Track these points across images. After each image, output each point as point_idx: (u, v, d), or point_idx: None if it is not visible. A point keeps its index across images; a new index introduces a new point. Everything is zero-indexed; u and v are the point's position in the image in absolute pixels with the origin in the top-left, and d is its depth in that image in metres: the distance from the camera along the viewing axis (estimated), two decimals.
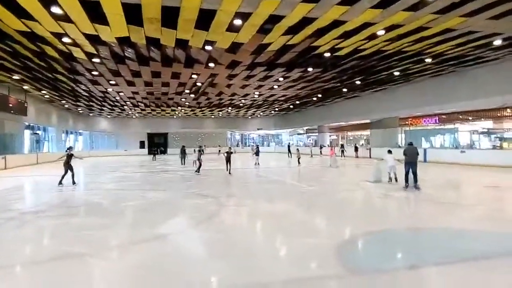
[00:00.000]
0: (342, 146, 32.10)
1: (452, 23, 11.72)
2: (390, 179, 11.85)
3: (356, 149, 29.77)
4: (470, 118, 27.00)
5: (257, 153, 22.75)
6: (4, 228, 6.41)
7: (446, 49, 14.96)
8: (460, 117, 27.06)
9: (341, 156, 28.91)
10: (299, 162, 21.91)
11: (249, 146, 50.73)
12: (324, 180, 14.54)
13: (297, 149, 24.86)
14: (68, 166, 12.63)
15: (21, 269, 4.48)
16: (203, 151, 23.90)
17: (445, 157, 20.81)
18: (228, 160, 16.54)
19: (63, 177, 12.50)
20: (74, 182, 12.64)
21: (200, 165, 16.95)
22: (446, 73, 20.33)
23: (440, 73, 20.36)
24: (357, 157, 28.68)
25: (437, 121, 27.97)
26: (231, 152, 17.00)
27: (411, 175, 10.31)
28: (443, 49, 14.96)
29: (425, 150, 22.46)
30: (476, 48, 14.95)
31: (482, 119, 26.66)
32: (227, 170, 16.35)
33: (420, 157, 21.48)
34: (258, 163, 21.44)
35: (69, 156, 12.91)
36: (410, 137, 27.74)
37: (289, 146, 33.91)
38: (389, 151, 12.42)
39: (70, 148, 14.00)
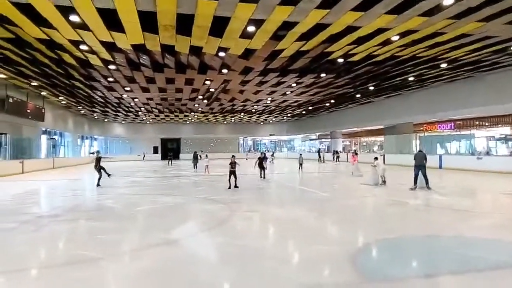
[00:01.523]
0: (355, 152, 31.81)
1: (468, 28, 11.57)
2: (383, 182, 13.04)
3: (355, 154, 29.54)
4: (486, 124, 26.42)
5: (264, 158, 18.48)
6: (19, 231, 6.53)
7: (461, 54, 14.76)
8: (477, 123, 26.48)
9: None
10: (301, 168, 21.45)
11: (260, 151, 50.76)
12: (338, 187, 14.41)
13: (300, 154, 24.68)
14: (99, 168, 13.81)
15: (36, 273, 4.55)
16: (200, 156, 24.72)
17: (461, 164, 20.40)
18: (232, 173, 12.79)
19: (99, 179, 13.74)
20: (98, 184, 13.59)
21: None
22: (462, 78, 20.04)
23: (456, 78, 20.07)
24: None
25: (453, 127, 27.44)
26: (235, 163, 13.00)
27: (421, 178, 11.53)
28: (458, 54, 14.76)
29: (440, 156, 22.09)
30: (493, 54, 14.71)
31: (499, 125, 26.05)
32: (229, 184, 12.67)
33: (435, 164, 21.40)
34: (266, 167, 17.47)
35: (98, 160, 13.94)
36: (425, 143, 27.33)
37: (319, 151, 34.86)
38: (376, 158, 13.91)
39: (98, 152, 15.02)
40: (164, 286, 3.90)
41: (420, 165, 11.59)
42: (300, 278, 4.09)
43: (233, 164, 12.95)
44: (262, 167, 16.36)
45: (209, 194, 11.16)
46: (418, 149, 27.45)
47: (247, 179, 15.62)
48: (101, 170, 13.94)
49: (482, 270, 4.37)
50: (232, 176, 12.76)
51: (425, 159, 11.75)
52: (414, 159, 11.85)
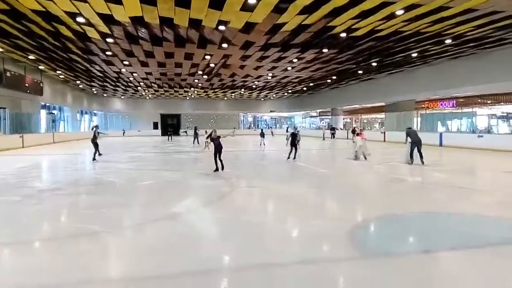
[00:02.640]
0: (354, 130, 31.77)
1: (474, 3, 11.27)
2: (360, 157, 13.71)
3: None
4: (488, 102, 26.24)
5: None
6: (22, 205, 6.58)
7: (467, 30, 14.45)
8: (479, 101, 26.29)
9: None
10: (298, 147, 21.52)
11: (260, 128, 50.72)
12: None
13: (298, 131, 24.46)
14: (95, 143, 14.06)
15: (39, 245, 4.61)
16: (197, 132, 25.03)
17: (462, 142, 20.38)
18: (217, 151, 10.51)
19: (94, 153, 13.95)
20: (94, 159, 13.78)
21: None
22: (466, 55, 19.72)
23: (460, 55, 19.76)
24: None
25: (455, 105, 27.26)
26: (218, 137, 10.63)
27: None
28: (463, 30, 14.45)
29: (441, 134, 22.05)
30: (499, 29, 14.39)
31: (502, 103, 25.87)
32: (216, 166, 10.60)
33: (436, 141, 21.37)
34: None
35: (95, 134, 14.20)
36: (427, 120, 27.25)
37: (332, 129, 34.14)
38: (357, 134, 14.31)
39: (96, 127, 15.11)
40: (166, 260, 3.95)
41: (417, 141, 12.13)
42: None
43: (214, 140, 10.57)
44: (294, 145, 13.87)
45: (209, 169, 11.15)
46: (420, 127, 27.55)
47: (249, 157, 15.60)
48: (97, 145, 14.22)
49: (483, 246, 4.41)
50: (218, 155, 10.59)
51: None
52: (408, 135, 12.49)
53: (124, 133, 43.05)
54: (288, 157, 13.83)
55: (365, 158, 13.70)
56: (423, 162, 11.94)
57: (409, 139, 12.49)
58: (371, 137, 27.14)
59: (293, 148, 13.84)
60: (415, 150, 12.14)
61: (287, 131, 24.21)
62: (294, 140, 13.83)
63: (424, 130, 27.56)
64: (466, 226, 5.33)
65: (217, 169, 10.57)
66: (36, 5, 11.30)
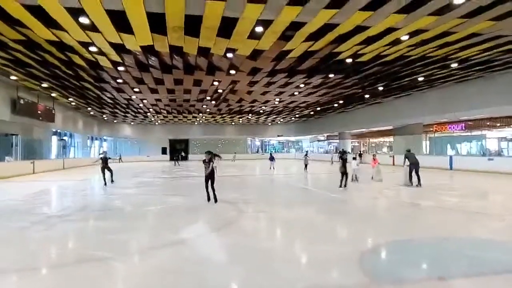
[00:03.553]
0: (361, 155, 31.84)
1: (480, 27, 11.38)
2: (353, 179, 14.49)
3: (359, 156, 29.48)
4: (498, 124, 26.02)
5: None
6: (30, 231, 6.60)
7: (472, 54, 14.54)
8: (488, 123, 26.10)
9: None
10: (306, 169, 21.96)
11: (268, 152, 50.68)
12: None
13: (306, 155, 24.66)
14: (105, 169, 14.37)
15: (47, 272, 4.59)
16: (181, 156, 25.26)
17: (472, 165, 20.13)
18: (209, 177, 9.18)
19: (105, 179, 14.23)
20: (105, 184, 14.12)
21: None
22: (473, 78, 19.74)
23: (466, 78, 19.79)
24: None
25: (463, 128, 27.08)
26: (210, 162, 9.22)
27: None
28: (469, 54, 14.54)
29: (450, 157, 21.82)
30: (505, 53, 14.46)
31: (511, 125, 25.64)
32: (207, 195, 9.40)
33: (446, 165, 21.12)
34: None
35: (105, 160, 14.48)
36: (435, 144, 27.04)
37: (342, 153, 33.19)
38: (354, 158, 16.02)
39: (105, 153, 15.56)
40: (173, 286, 3.88)
41: (414, 163, 12.64)
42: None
43: (207, 165, 9.14)
44: (345, 171, 12.06)
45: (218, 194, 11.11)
46: (429, 150, 27.34)
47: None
48: (104, 172, 14.42)
49: (498, 273, 4.28)
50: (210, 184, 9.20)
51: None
52: (406, 157, 12.96)
53: (120, 159, 37.03)
54: (340, 185, 12.21)
55: (357, 180, 14.55)
56: (420, 185, 12.38)
57: (407, 162, 12.85)
58: (379, 160, 26.87)
59: (344, 174, 12.14)
60: (413, 172, 12.60)
61: (306, 155, 24.55)
62: (344, 163, 12.19)
63: (434, 153, 27.34)
64: (479, 251, 5.18)
65: (209, 199, 9.39)
66: (51, 35, 11.71)
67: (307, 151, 33.20)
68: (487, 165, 19.18)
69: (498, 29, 11.45)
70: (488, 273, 4.25)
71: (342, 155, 12.67)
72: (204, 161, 9.40)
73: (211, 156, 9.29)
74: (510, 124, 25.28)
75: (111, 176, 14.83)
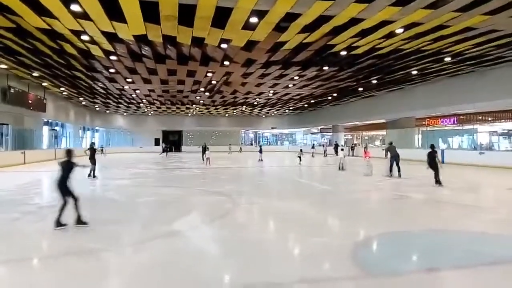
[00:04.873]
0: (353, 148, 33.03)
1: (474, 22, 11.41)
2: (340, 167, 16.87)
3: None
4: (489, 119, 26.25)
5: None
6: (21, 222, 6.55)
7: (466, 48, 14.60)
8: (480, 118, 26.31)
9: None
10: (300, 161, 21.97)
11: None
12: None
13: (301, 149, 24.71)
14: (92, 160, 13.63)
15: (38, 263, 4.56)
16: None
17: (464, 159, 20.33)
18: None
19: (91, 170, 13.50)
20: (94, 176, 13.61)
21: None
22: (465, 72, 19.88)
23: (459, 72, 19.92)
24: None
25: (455, 122, 27.26)
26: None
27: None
28: (463, 48, 14.60)
29: (442, 151, 21.99)
30: (497, 48, 14.54)
31: (503, 120, 25.89)
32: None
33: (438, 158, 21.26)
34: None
35: (93, 150, 13.98)
36: (428, 137, 27.24)
37: (337, 146, 33.19)
38: (342, 149, 19.74)
39: (93, 144, 15.12)
40: (166, 279, 3.88)
41: (395, 155, 13.83)
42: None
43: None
44: (436, 167, 11.00)
45: (211, 186, 11.12)
46: (421, 143, 27.53)
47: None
48: (94, 163, 13.60)
49: (487, 265, 4.35)
50: None
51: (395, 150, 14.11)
52: (387, 150, 14.30)
53: (103, 150, 34.29)
54: (437, 182, 11.00)
55: (344, 168, 16.69)
56: (400, 176, 13.39)
57: (389, 154, 13.98)
58: (371, 154, 27.09)
59: (436, 170, 11.01)
60: (394, 163, 13.69)
61: (313, 147, 28.93)
62: (434, 158, 11.01)
63: (426, 147, 27.49)
64: (471, 244, 5.25)
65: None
66: (42, 23, 11.49)
67: (313, 144, 37.05)
68: (478, 159, 19.38)
69: (492, 23, 11.49)
70: (477, 265, 4.31)
71: (433, 150, 11.32)
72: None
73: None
74: (501, 119, 25.54)
75: (93, 170, 13.65)
